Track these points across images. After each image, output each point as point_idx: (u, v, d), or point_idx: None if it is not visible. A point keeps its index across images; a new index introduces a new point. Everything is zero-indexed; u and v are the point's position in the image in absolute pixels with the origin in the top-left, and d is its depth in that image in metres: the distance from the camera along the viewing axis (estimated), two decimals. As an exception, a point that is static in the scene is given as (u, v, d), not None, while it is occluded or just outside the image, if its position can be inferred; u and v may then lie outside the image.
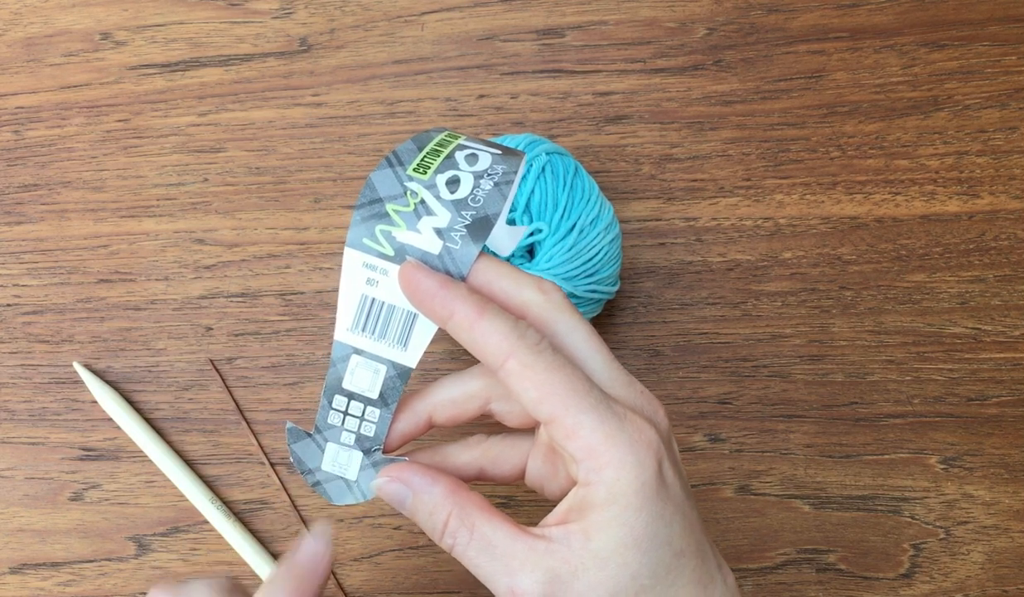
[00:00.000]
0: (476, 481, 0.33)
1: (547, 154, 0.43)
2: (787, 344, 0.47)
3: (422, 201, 0.31)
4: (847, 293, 0.47)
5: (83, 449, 0.48)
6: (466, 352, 0.48)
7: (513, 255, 0.42)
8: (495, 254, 0.41)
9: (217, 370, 0.48)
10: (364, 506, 0.47)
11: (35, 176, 0.50)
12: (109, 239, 0.49)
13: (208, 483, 0.48)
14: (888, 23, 0.48)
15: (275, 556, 0.47)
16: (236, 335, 0.48)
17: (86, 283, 0.49)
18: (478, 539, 0.29)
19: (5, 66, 0.51)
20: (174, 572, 0.47)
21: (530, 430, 0.33)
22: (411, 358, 0.31)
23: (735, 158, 0.48)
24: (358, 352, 0.31)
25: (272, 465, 0.48)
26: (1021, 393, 0.46)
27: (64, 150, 0.50)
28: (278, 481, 0.47)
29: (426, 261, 0.30)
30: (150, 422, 0.48)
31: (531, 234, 0.42)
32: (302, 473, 0.32)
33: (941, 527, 0.46)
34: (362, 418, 0.32)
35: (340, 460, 0.32)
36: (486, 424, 0.33)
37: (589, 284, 0.42)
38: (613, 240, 0.43)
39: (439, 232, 0.30)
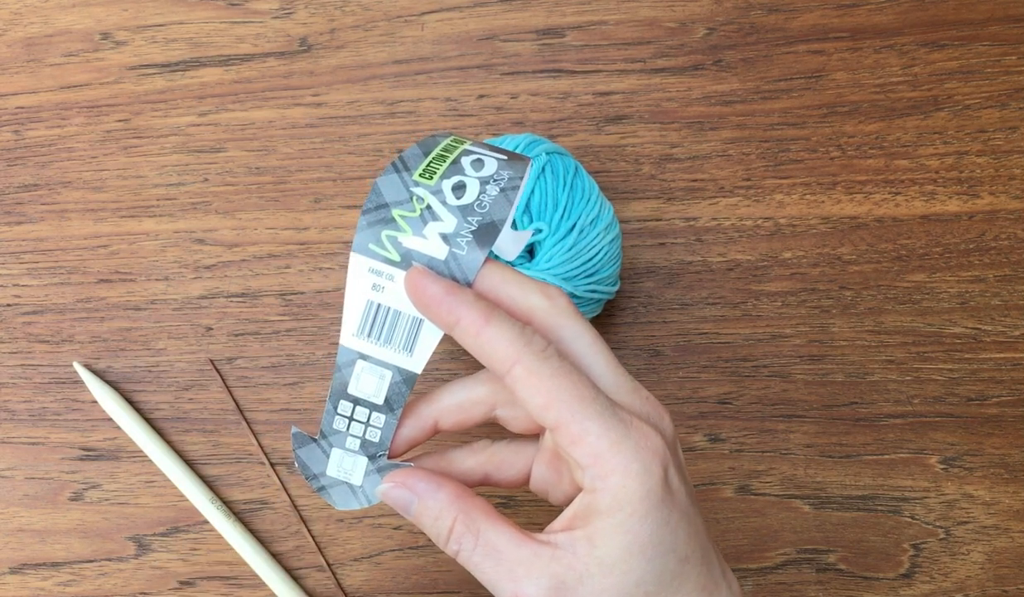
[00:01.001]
0: (480, 486, 0.33)
1: (547, 154, 0.43)
2: (787, 344, 0.47)
3: (428, 207, 0.30)
4: (847, 293, 0.47)
5: (83, 449, 0.48)
6: (466, 352, 0.48)
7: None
8: (499, 258, 0.41)
9: (217, 370, 0.48)
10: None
11: (35, 176, 0.50)
12: (109, 239, 0.49)
13: (208, 483, 0.48)
14: (888, 23, 0.48)
15: (275, 556, 0.47)
16: (236, 335, 0.48)
17: (86, 283, 0.49)
18: (483, 545, 0.29)
19: (5, 66, 0.51)
20: (174, 572, 0.47)
21: (535, 436, 0.33)
22: (417, 364, 0.31)
23: (735, 158, 0.48)
24: (363, 357, 0.31)
25: (272, 465, 0.48)
26: (1021, 393, 0.46)
27: (64, 150, 0.50)
28: (278, 481, 0.47)
29: (432, 267, 0.30)
30: (150, 422, 0.48)
31: (531, 234, 0.42)
32: (307, 478, 0.32)
33: (941, 527, 0.46)
34: (367, 423, 0.32)
35: (345, 465, 0.32)
36: (490, 429, 0.33)
37: (589, 284, 0.42)
38: (613, 240, 0.43)
39: (445, 238, 0.30)
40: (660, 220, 0.48)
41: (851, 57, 0.48)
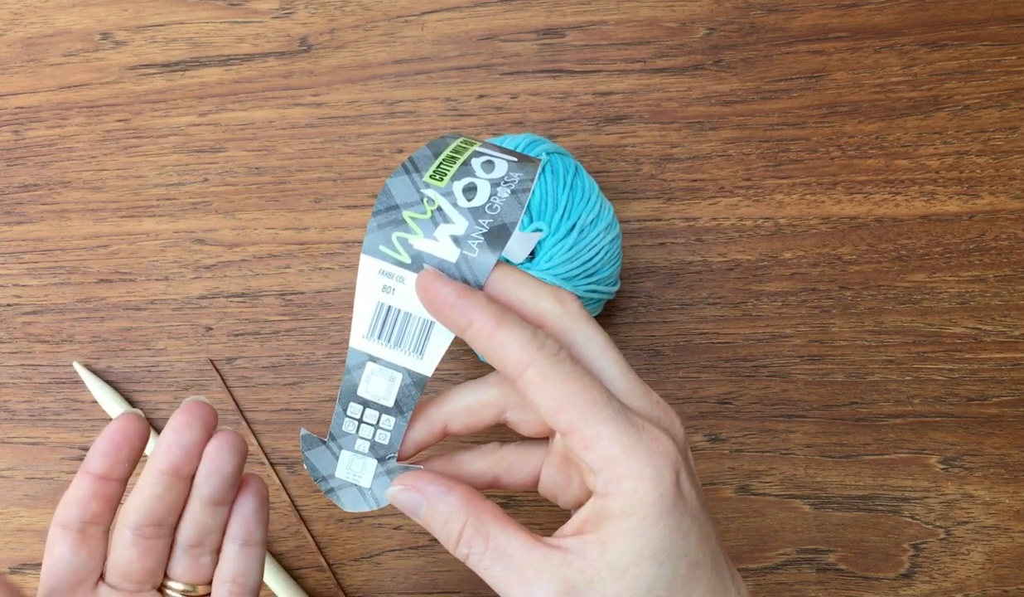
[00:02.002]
0: (489, 489, 0.33)
1: (547, 154, 0.43)
2: (787, 344, 0.47)
3: (439, 208, 0.30)
4: (847, 293, 0.47)
5: (83, 449, 0.48)
6: (467, 349, 0.48)
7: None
8: (507, 260, 0.41)
9: (217, 370, 0.48)
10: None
11: (35, 176, 0.50)
12: (109, 239, 0.49)
13: (208, 483, 0.48)
14: (888, 23, 0.48)
15: (275, 556, 0.47)
16: (236, 335, 0.48)
17: (86, 283, 0.49)
18: (493, 549, 0.29)
19: (5, 66, 0.51)
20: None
21: (544, 439, 0.33)
22: (427, 366, 0.31)
23: (735, 158, 0.48)
24: (373, 360, 0.31)
25: (272, 465, 0.48)
26: (1021, 393, 0.46)
27: (64, 150, 0.50)
28: (278, 481, 0.47)
29: (443, 269, 0.30)
30: (150, 422, 0.48)
31: (539, 236, 0.42)
32: (316, 480, 0.32)
33: (941, 527, 0.46)
34: (377, 426, 0.31)
35: (354, 467, 0.32)
36: (499, 432, 0.33)
37: (589, 284, 0.42)
38: (613, 240, 0.43)
39: (456, 240, 0.30)
40: (660, 220, 0.48)
41: (851, 57, 0.48)
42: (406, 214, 0.30)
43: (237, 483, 0.33)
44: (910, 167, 0.48)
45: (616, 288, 0.44)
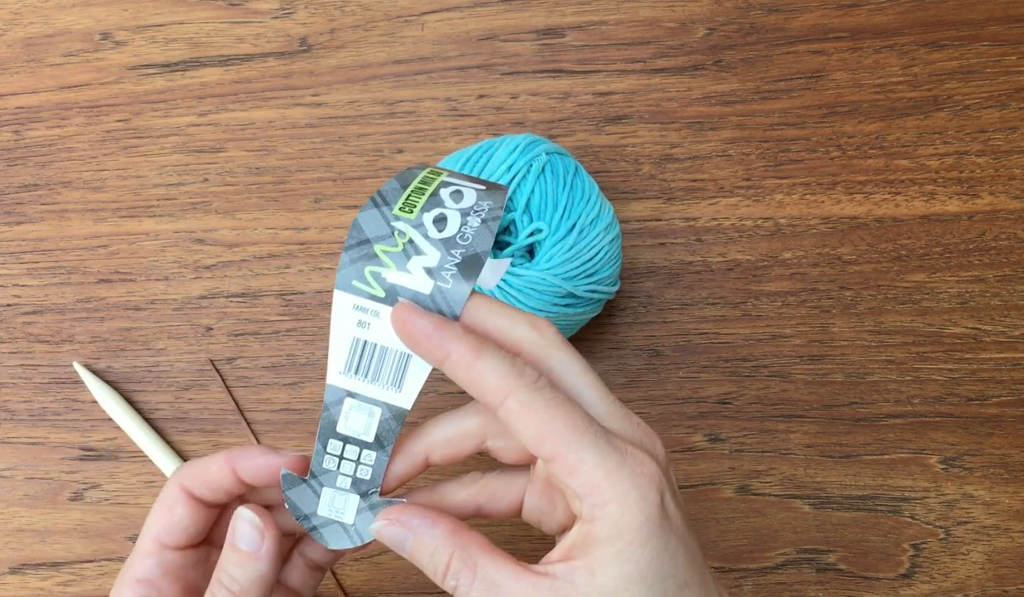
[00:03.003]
0: (473, 518, 0.33)
1: (547, 154, 0.43)
2: (787, 344, 0.47)
3: (411, 241, 0.30)
4: (847, 293, 0.47)
5: (83, 449, 0.48)
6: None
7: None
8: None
9: (217, 370, 0.48)
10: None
11: (35, 176, 0.50)
12: (109, 239, 0.49)
13: (208, 483, 0.48)
14: (888, 23, 0.48)
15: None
16: (236, 335, 0.48)
17: (86, 283, 0.49)
18: (481, 579, 0.29)
19: (5, 66, 0.51)
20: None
21: (526, 466, 0.33)
22: (406, 399, 0.31)
23: (735, 158, 0.48)
24: (352, 395, 0.31)
25: (272, 465, 0.48)
26: (1021, 393, 0.46)
27: (64, 150, 0.50)
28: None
29: (418, 301, 0.30)
30: (150, 422, 0.48)
31: (531, 234, 0.42)
32: (298, 518, 0.32)
33: (941, 527, 0.46)
34: (358, 462, 0.31)
35: (336, 504, 0.32)
36: (481, 460, 0.33)
37: (589, 284, 0.42)
38: (613, 240, 0.43)
39: (429, 272, 0.30)
40: (660, 220, 0.48)
41: (851, 57, 0.48)
42: (378, 248, 0.30)
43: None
44: (910, 167, 0.48)
45: (616, 288, 0.44)
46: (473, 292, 0.30)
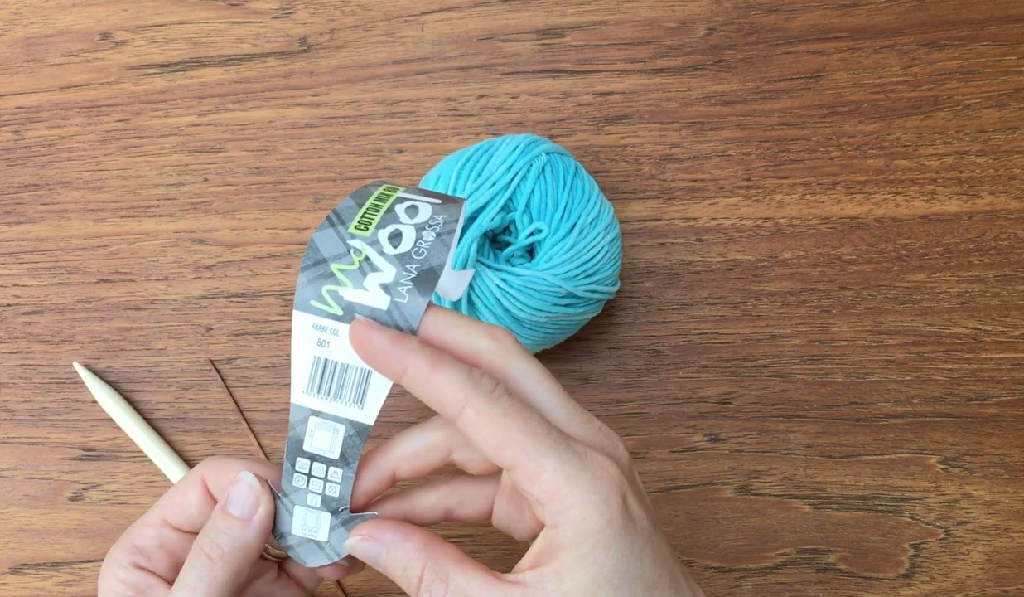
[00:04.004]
0: (444, 522, 0.33)
1: (547, 154, 0.43)
2: (787, 344, 0.47)
3: (366, 258, 0.30)
4: (847, 293, 0.47)
5: (83, 449, 0.48)
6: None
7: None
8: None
9: (217, 370, 0.48)
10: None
11: (35, 176, 0.50)
12: (109, 239, 0.49)
13: (208, 483, 0.48)
14: (888, 23, 0.48)
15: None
16: (236, 335, 0.48)
17: (86, 283, 0.49)
18: (453, 591, 0.29)
19: (5, 66, 0.51)
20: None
21: (496, 474, 0.33)
22: (368, 415, 0.31)
23: (735, 158, 0.48)
24: (316, 414, 0.31)
25: (272, 465, 0.48)
26: (1021, 393, 0.46)
27: (64, 150, 0.50)
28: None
29: (375, 318, 0.30)
30: (150, 422, 0.48)
31: (531, 234, 0.42)
32: (276, 537, 0.32)
33: (941, 527, 0.46)
34: (325, 479, 0.32)
35: (309, 523, 0.32)
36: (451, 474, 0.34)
37: (589, 284, 0.42)
38: (613, 240, 0.43)
39: (386, 287, 0.30)
40: (660, 220, 0.48)
41: (851, 57, 0.48)
42: (334, 266, 0.30)
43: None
44: (910, 167, 0.48)
45: (616, 288, 0.44)
46: (431, 305, 0.30)
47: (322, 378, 0.31)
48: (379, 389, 0.31)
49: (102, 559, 0.47)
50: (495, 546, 0.46)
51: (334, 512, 0.32)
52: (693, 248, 0.48)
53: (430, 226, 0.31)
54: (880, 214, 0.47)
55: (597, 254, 0.42)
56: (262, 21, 0.50)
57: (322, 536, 0.32)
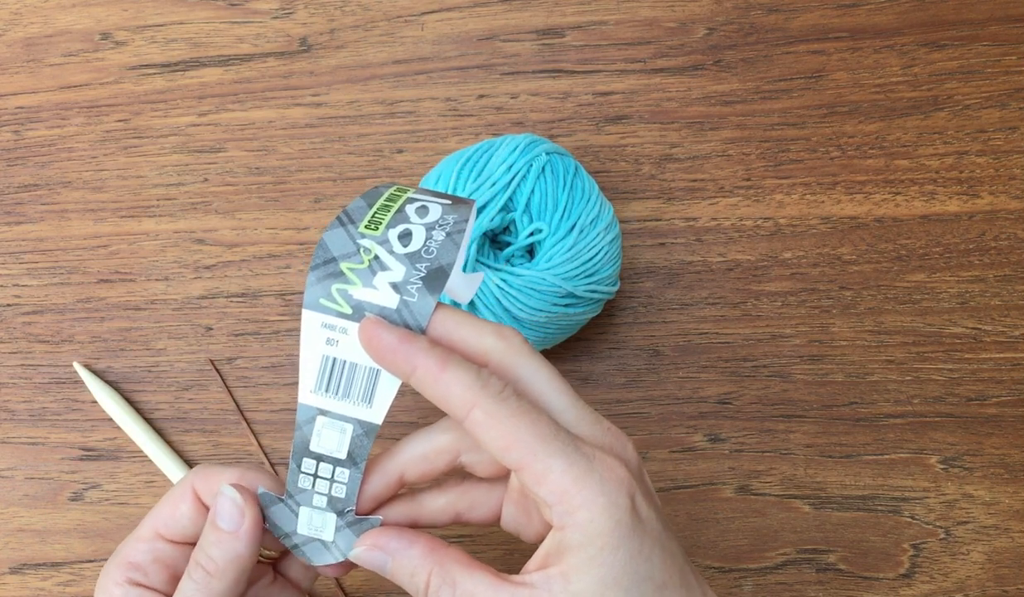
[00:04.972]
0: (453, 525, 0.33)
1: (547, 154, 0.43)
2: (787, 344, 0.47)
3: (376, 257, 0.30)
4: (847, 293, 0.47)
5: (83, 449, 0.48)
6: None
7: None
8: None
9: (217, 370, 0.48)
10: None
11: (35, 176, 0.50)
12: (109, 239, 0.49)
13: (208, 483, 0.48)
14: (888, 23, 0.48)
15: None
16: (236, 335, 0.48)
17: (86, 283, 0.49)
18: (461, 594, 0.29)
19: (5, 66, 0.51)
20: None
21: (504, 477, 0.33)
22: (377, 415, 0.31)
23: (735, 158, 0.48)
24: (323, 413, 0.31)
25: (272, 465, 0.48)
26: (1021, 393, 0.46)
27: (64, 150, 0.50)
28: (278, 481, 0.47)
29: (384, 316, 0.30)
30: (150, 422, 0.48)
31: (531, 234, 0.42)
32: (279, 537, 0.32)
33: (941, 527, 0.46)
34: (332, 480, 0.31)
35: (315, 523, 0.32)
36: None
37: (589, 284, 0.42)
38: (613, 240, 0.43)
39: (395, 286, 0.30)
40: (660, 220, 0.48)
41: (851, 57, 0.48)
42: (344, 265, 0.30)
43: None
44: (910, 167, 0.48)
45: (616, 288, 0.44)
46: (440, 304, 0.30)
47: (330, 377, 0.31)
48: (388, 388, 0.31)
49: (102, 559, 0.47)
50: (496, 546, 0.46)
51: (340, 513, 0.32)
52: (693, 248, 0.48)
53: (440, 226, 0.31)
54: (880, 214, 0.47)
55: (597, 254, 0.42)
56: (262, 21, 0.50)
57: (327, 536, 0.32)
